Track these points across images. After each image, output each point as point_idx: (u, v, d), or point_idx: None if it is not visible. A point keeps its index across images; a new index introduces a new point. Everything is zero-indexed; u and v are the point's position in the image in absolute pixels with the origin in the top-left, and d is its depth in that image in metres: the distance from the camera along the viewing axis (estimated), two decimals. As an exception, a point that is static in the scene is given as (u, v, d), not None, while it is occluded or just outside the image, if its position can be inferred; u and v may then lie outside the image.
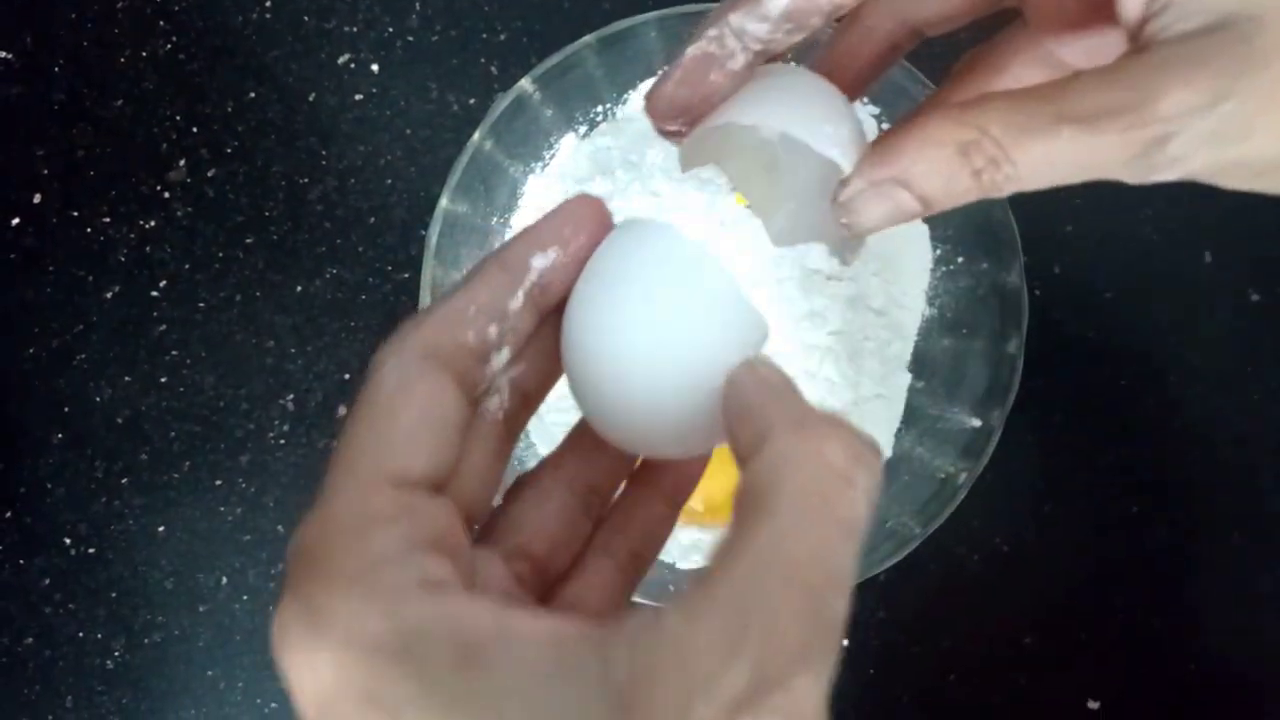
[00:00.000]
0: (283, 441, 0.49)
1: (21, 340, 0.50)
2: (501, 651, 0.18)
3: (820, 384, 0.45)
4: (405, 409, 0.22)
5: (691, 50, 0.25)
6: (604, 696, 0.17)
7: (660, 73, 0.26)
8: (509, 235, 0.47)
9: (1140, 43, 0.23)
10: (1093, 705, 0.45)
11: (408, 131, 0.51)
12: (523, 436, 0.46)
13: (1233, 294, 0.48)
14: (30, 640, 0.48)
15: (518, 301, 0.23)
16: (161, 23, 0.53)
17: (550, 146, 0.48)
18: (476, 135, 0.44)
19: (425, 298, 0.43)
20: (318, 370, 0.49)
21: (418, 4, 0.53)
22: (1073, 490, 0.47)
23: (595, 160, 0.48)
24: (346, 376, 0.49)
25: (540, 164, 0.48)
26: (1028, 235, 0.43)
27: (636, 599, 0.30)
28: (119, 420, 0.49)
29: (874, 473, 0.19)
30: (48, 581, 0.48)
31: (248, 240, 0.51)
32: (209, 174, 0.51)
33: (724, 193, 0.45)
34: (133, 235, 0.51)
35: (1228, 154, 0.22)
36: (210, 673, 0.47)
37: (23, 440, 0.49)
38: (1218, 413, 0.48)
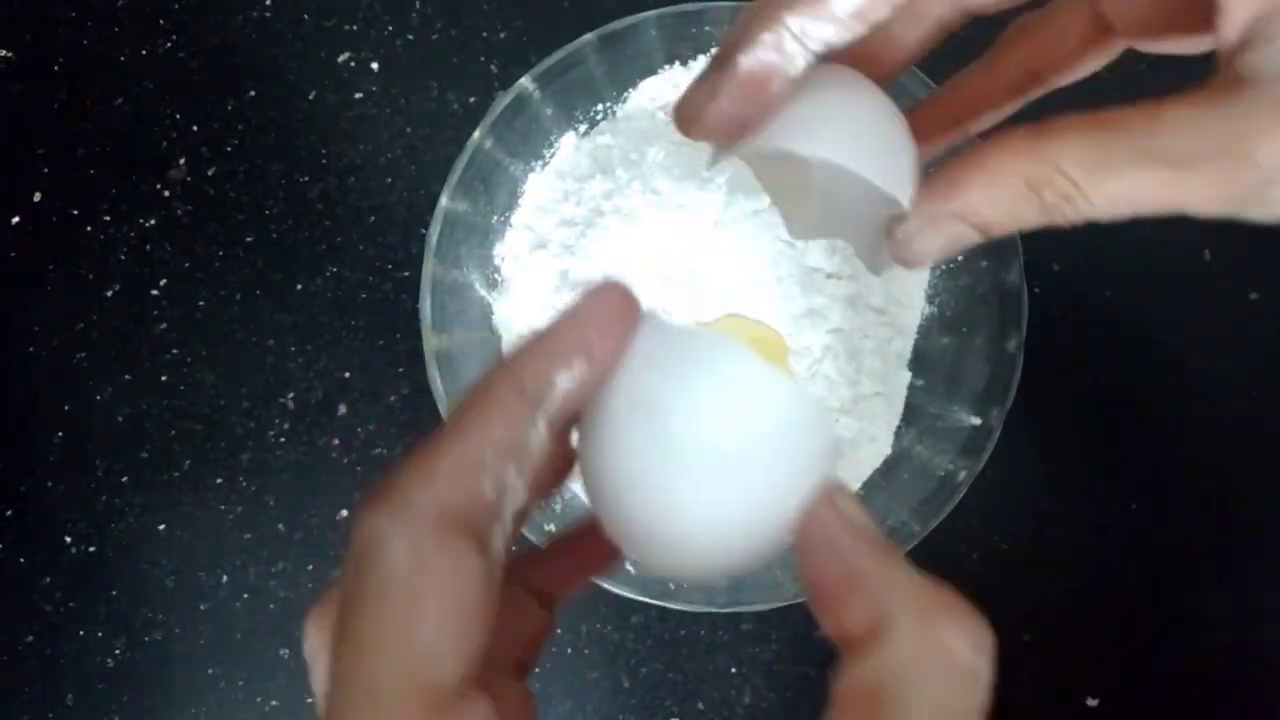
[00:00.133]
0: (283, 440, 0.49)
1: (21, 339, 0.50)
2: None
3: (820, 382, 0.45)
4: (428, 600, 0.17)
5: (746, 60, 0.22)
6: None
7: (700, 83, 0.22)
8: (509, 234, 0.47)
9: (1235, 70, 0.21)
10: (1091, 703, 0.45)
11: (408, 130, 0.51)
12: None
13: (1233, 294, 0.48)
14: (31, 638, 0.48)
15: (539, 433, 0.19)
16: (161, 21, 0.53)
17: (550, 145, 0.48)
18: (477, 134, 0.44)
19: (425, 297, 0.43)
20: (318, 368, 0.49)
21: (418, 2, 0.53)
22: (1072, 489, 0.47)
23: (595, 159, 0.48)
24: (347, 375, 0.49)
25: (540, 162, 0.48)
26: (1027, 234, 0.43)
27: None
28: (119, 419, 0.49)
29: (992, 656, 0.18)
30: (48, 580, 0.48)
31: (248, 239, 0.51)
32: (209, 172, 0.51)
33: (729, 190, 0.45)
34: (133, 234, 0.51)
35: None
36: (211, 671, 0.47)
37: (23, 439, 0.49)
38: (1218, 412, 0.48)
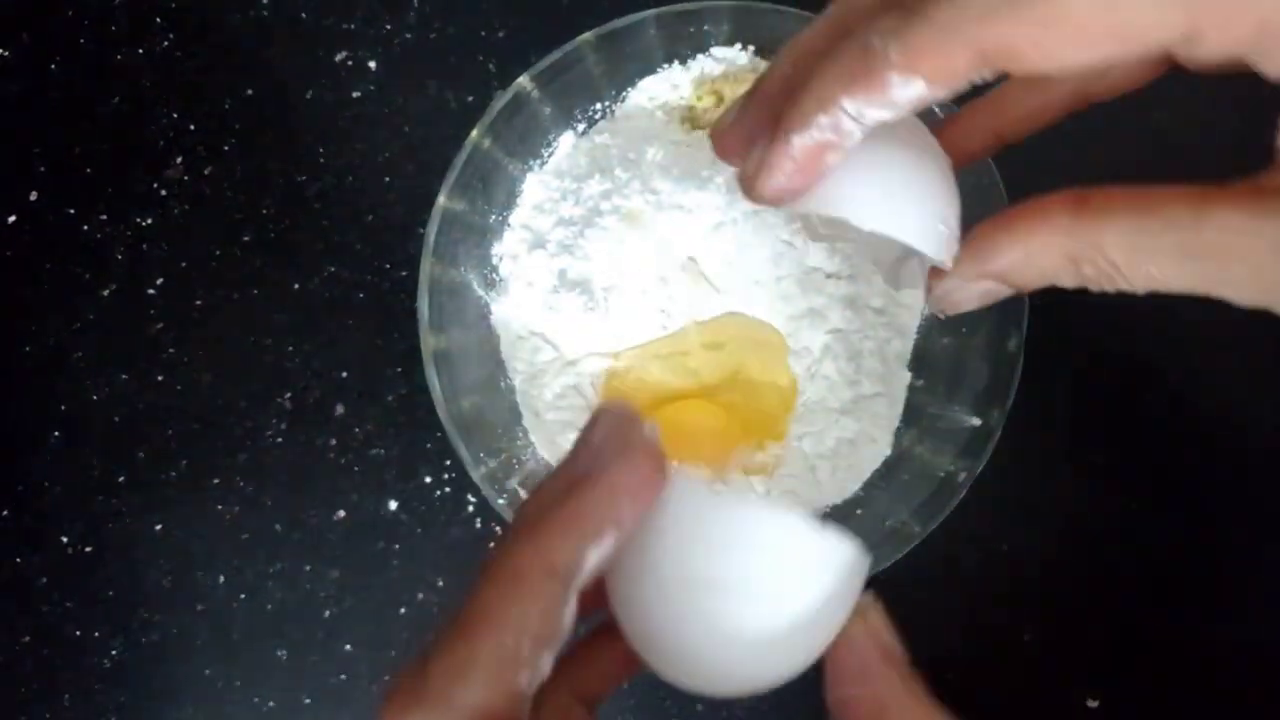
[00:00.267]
0: (280, 440, 0.48)
1: (18, 338, 0.50)
2: None
3: (820, 382, 0.45)
4: None
5: (801, 141, 0.22)
6: None
7: (758, 156, 0.23)
8: (507, 234, 0.47)
9: None
10: (1092, 704, 0.45)
11: (406, 129, 0.51)
12: (520, 435, 0.46)
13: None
14: (27, 639, 0.47)
15: (571, 610, 0.19)
16: (158, 20, 0.53)
17: (549, 144, 0.48)
18: (475, 133, 0.44)
19: (423, 296, 0.43)
20: (315, 368, 0.49)
21: (415, 1, 0.52)
22: (1072, 489, 0.47)
23: (594, 158, 0.47)
24: (344, 374, 0.49)
25: (539, 162, 0.48)
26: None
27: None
28: (116, 419, 0.49)
29: None
30: (45, 580, 0.48)
31: (245, 238, 0.50)
32: (206, 172, 0.51)
33: (728, 190, 0.45)
34: (129, 233, 0.51)
35: None
36: (208, 671, 0.47)
37: (19, 439, 0.49)
38: (1218, 411, 0.48)
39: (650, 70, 0.48)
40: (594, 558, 0.19)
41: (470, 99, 0.51)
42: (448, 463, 0.48)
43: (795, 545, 0.21)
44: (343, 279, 0.50)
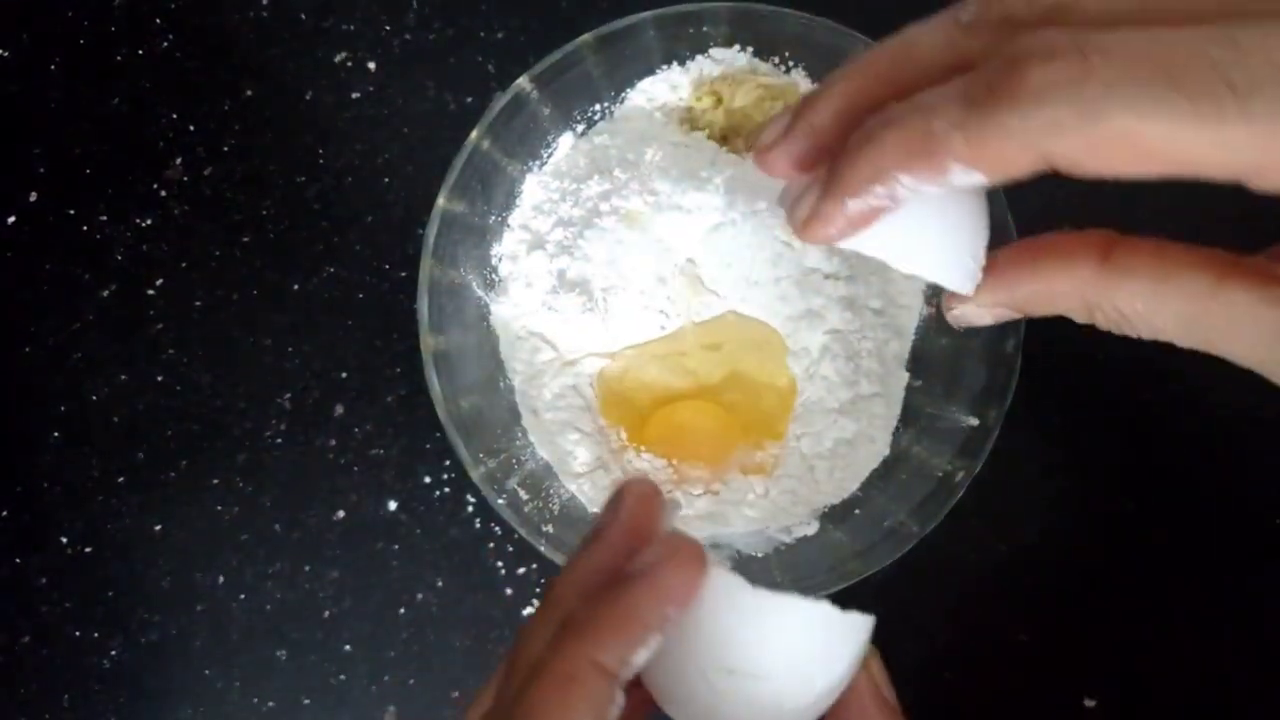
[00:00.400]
0: (280, 440, 0.49)
1: (18, 339, 0.50)
2: None
3: (818, 383, 0.45)
4: None
5: (856, 205, 0.23)
6: None
7: (811, 205, 0.24)
8: (506, 235, 0.47)
9: None
10: (1089, 703, 0.45)
11: (405, 130, 0.51)
12: (519, 435, 0.46)
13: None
14: (27, 639, 0.48)
15: (618, 707, 0.21)
16: (158, 21, 0.53)
17: (548, 145, 0.48)
18: (474, 134, 0.44)
19: (423, 297, 0.43)
20: (315, 369, 0.49)
21: (415, 2, 0.52)
22: (1070, 489, 0.47)
23: (593, 159, 0.48)
24: (344, 375, 0.49)
25: (538, 163, 0.48)
26: (1026, 233, 0.43)
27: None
28: (116, 419, 0.49)
29: None
30: (44, 580, 0.48)
31: (244, 239, 0.50)
32: (205, 172, 0.51)
33: (727, 191, 0.45)
34: (129, 234, 0.51)
35: None
36: (207, 671, 0.47)
37: (19, 439, 0.49)
38: (1216, 411, 0.48)
39: (649, 71, 0.48)
40: (642, 657, 0.21)
41: (469, 100, 0.51)
42: (447, 463, 0.48)
43: (821, 631, 0.23)
44: (342, 280, 0.50)
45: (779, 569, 0.44)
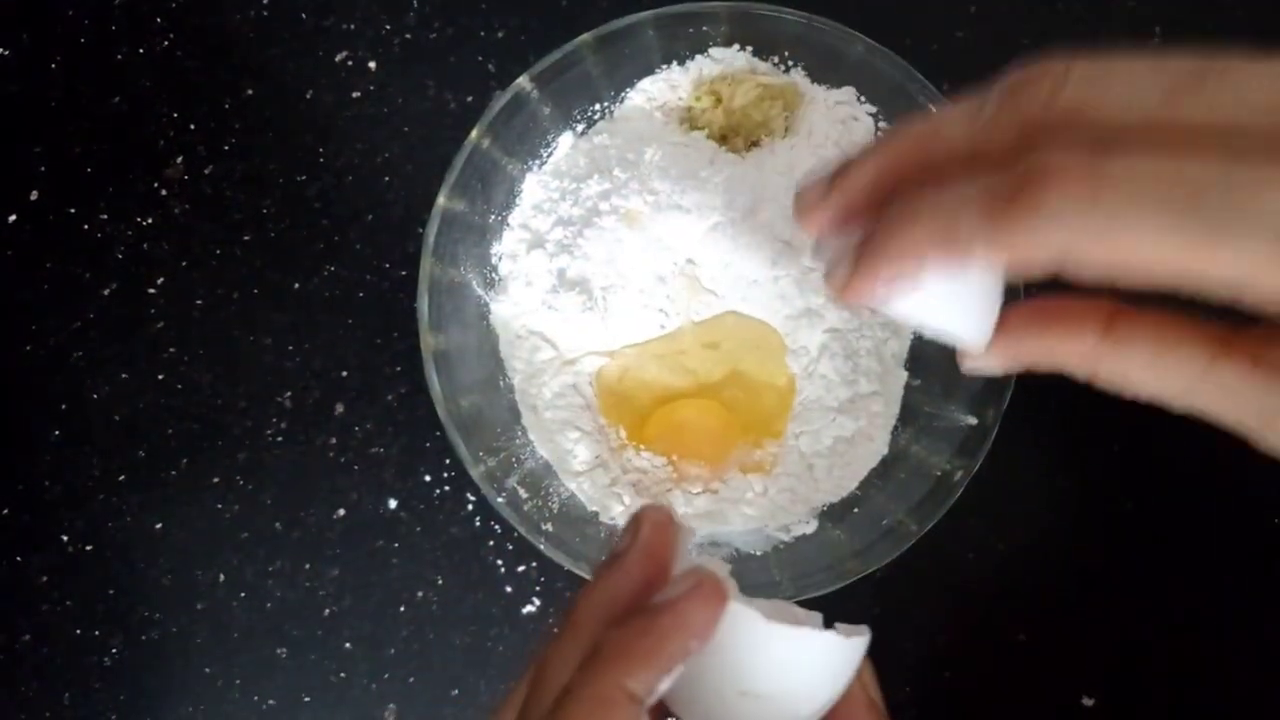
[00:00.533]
0: (280, 439, 0.49)
1: (19, 338, 0.50)
2: None
3: (817, 381, 0.45)
4: None
5: (886, 277, 0.25)
6: None
7: (845, 272, 0.26)
8: (506, 234, 0.47)
9: None
10: (1087, 702, 0.45)
11: (405, 129, 0.51)
12: (519, 434, 0.46)
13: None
14: (28, 637, 0.48)
15: None
16: (158, 20, 0.53)
17: (548, 144, 0.48)
18: (474, 133, 0.44)
19: (423, 296, 0.43)
20: (315, 368, 0.49)
21: (415, 2, 0.53)
22: (1068, 488, 0.47)
23: (593, 158, 0.48)
24: (344, 374, 0.49)
25: (538, 162, 0.48)
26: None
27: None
28: (116, 418, 0.49)
29: None
30: (45, 579, 0.48)
31: (245, 238, 0.51)
32: (206, 171, 0.51)
33: (726, 190, 0.45)
34: (130, 233, 0.51)
35: None
36: (208, 670, 0.47)
37: (20, 438, 0.49)
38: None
39: (649, 71, 0.48)
40: (666, 684, 0.23)
41: (470, 99, 0.51)
42: (447, 461, 0.48)
43: (824, 655, 0.26)
44: (342, 279, 0.50)
45: (778, 567, 0.44)
